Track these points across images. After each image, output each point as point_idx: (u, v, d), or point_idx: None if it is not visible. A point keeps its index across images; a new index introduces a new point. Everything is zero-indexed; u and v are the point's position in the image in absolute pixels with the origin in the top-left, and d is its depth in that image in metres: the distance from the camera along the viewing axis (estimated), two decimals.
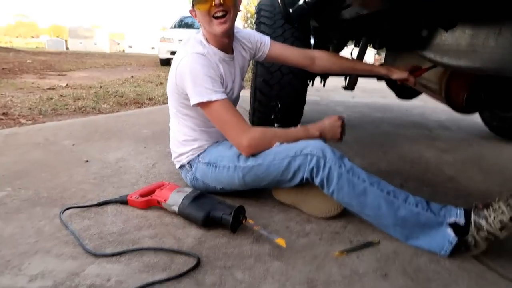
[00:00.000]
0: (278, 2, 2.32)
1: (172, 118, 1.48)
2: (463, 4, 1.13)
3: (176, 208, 1.24)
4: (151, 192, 1.35)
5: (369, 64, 1.65)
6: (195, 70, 1.26)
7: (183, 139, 1.44)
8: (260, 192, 1.45)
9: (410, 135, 2.87)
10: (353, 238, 1.19)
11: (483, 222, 1.04)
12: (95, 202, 1.32)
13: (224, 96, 1.28)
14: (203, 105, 1.27)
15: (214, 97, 1.25)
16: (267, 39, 1.57)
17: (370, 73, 1.60)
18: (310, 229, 1.25)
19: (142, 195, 1.33)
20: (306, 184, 1.27)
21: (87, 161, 1.78)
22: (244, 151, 1.28)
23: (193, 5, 1.31)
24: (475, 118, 3.42)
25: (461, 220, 1.07)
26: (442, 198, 1.57)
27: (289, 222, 1.29)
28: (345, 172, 1.16)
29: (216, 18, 1.28)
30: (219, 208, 1.19)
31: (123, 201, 1.33)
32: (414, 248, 1.14)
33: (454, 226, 1.08)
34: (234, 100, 1.49)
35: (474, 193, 1.68)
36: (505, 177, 1.94)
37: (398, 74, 1.50)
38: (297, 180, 1.24)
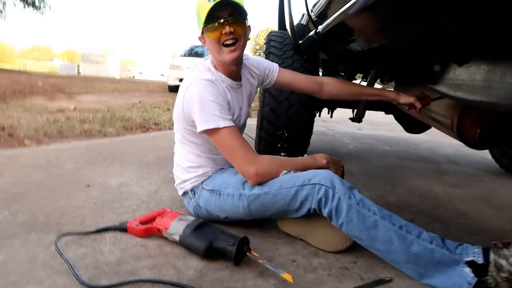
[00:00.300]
0: (288, 33, 2.35)
1: (177, 143, 1.46)
2: (473, 41, 1.12)
3: (177, 237, 1.19)
4: (152, 219, 1.31)
5: (377, 89, 1.63)
6: (203, 97, 1.24)
7: (187, 166, 1.41)
8: (265, 222, 1.40)
9: (418, 169, 2.81)
10: (364, 275, 1.12)
11: (503, 262, 0.98)
12: (93, 229, 1.27)
13: (231, 123, 1.25)
14: (210, 132, 1.24)
15: (222, 124, 1.22)
16: (275, 66, 1.57)
17: (379, 97, 1.57)
18: (318, 263, 1.18)
19: (142, 223, 1.28)
20: (314, 215, 1.22)
21: (88, 185, 1.74)
22: (251, 179, 1.24)
23: (202, 32, 1.31)
24: (483, 153, 3.37)
25: (480, 259, 1.01)
26: (455, 235, 1.50)
27: (295, 255, 1.22)
28: (355, 203, 1.11)
29: (226, 46, 1.27)
30: (222, 239, 1.14)
31: (122, 228, 1.28)
32: (429, 287, 1.07)
33: (472, 265, 1.01)
34: (240, 128, 1.47)
35: (487, 230, 1.61)
36: None
37: (405, 98, 1.48)
38: (304, 210, 1.19)
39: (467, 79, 1.21)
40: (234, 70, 1.37)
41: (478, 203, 2.02)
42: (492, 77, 1.05)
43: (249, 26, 1.35)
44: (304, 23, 1.90)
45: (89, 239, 1.21)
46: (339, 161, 1.40)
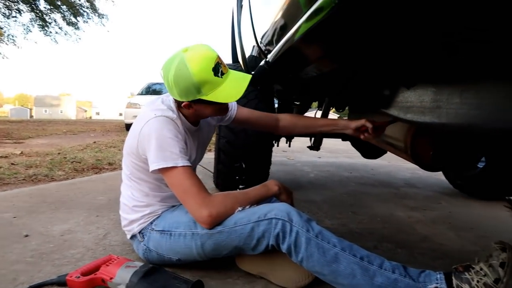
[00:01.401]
0: (241, 65, 2.36)
1: (125, 180, 1.35)
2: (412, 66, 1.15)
3: (123, 287, 1.06)
4: (95, 268, 1.16)
5: (330, 119, 1.64)
6: (163, 134, 1.16)
7: (133, 204, 1.30)
8: (222, 261, 1.29)
9: (378, 194, 2.83)
10: None
11: (466, 287, 0.96)
12: (26, 286, 1.11)
13: (189, 163, 1.18)
14: (165, 170, 1.15)
15: (180, 163, 1.15)
16: (233, 104, 1.54)
17: (332, 127, 1.56)
18: None
19: (84, 274, 1.14)
20: (273, 251, 1.14)
21: (26, 236, 1.56)
22: (205, 223, 1.14)
23: (196, 99, 1.18)
24: (439, 175, 3.49)
25: (443, 286, 0.98)
26: (419, 260, 1.47)
27: None
28: (314, 236, 1.06)
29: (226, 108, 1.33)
30: (174, 285, 1.03)
31: (60, 282, 1.13)
32: None
33: None
34: (194, 170, 1.40)
35: (449, 252, 1.60)
36: (477, 234, 1.89)
37: (355, 123, 1.47)
38: (261, 248, 1.12)
39: (416, 101, 1.23)
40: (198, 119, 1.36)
41: (438, 225, 2.04)
42: (440, 98, 1.07)
43: None
44: (255, 54, 1.91)
45: None
46: (290, 190, 1.36)
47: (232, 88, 1.18)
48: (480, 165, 2.84)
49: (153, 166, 1.15)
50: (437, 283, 0.99)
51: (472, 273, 0.97)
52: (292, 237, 1.06)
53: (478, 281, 0.95)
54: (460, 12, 0.64)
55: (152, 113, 1.21)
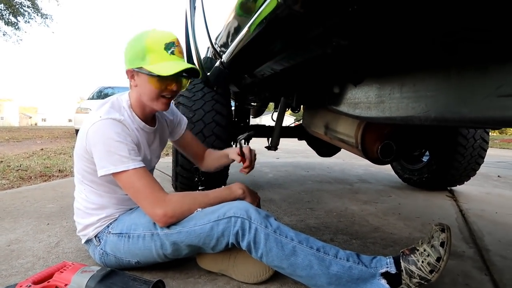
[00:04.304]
0: (196, 66, 2.36)
1: (77, 185, 1.30)
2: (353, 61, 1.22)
3: None
4: (48, 277, 1.11)
5: (227, 149, 1.63)
6: (109, 137, 1.12)
7: (88, 208, 1.25)
8: (183, 261, 1.30)
9: (334, 190, 2.94)
10: None
11: (413, 268, 1.04)
12: None
13: (141, 164, 1.16)
14: (116, 174, 1.13)
15: (132, 165, 1.12)
16: (184, 122, 1.57)
17: (226, 155, 1.57)
18: None
19: (35, 282, 1.08)
20: (233, 248, 1.16)
21: None
22: (160, 221, 1.14)
23: (139, 69, 1.17)
24: (389, 170, 3.70)
25: (392, 269, 1.05)
26: (372, 249, 1.56)
27: None
28: (272, 232, 1.09)
29: (164, 97, 1.23)
30: (133, 286, 1.01)
31: None
32: None
33: (387, 276, 1.05)
34: (150, 171, 1.37)
35: (398, 240, 1.70)
36: (423, 222, 2.03)
37: (232, 154, 1.52)
38: (221, 246, 1.13)
39: (363, 97, 1.31)
40: (152, 116, 1.34)
41: (388, 216, 2.16)
42: (383, 93, 1.15)
43: None
44: (210, 56, 1.92)
45: None
46: (255, 192, 1.38)
47: (172, 66, 1.15)
48: (425, 159, 3.05)
49: (102, 172, 1.13)
50: (387, 267, 1.06)
51: (417, 254, 1.05)
52: (251, 234, 1.08)
53: (422, 262, 1.03)
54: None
55: (97, 115, 1.17)
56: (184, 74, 1.20)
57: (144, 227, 1.18)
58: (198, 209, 1.17)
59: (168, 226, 1.15)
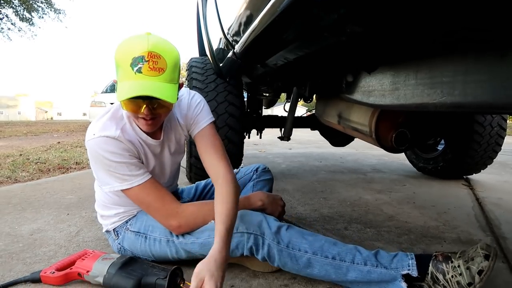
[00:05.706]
0: (209, 58, 2.36)
1: (96, 182, 1.29)
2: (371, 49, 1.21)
3: (101, 279, 1.06)
4: (70, 264, 1.16)
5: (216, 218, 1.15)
6: (104, 158, 1.07)
7: (108, 201, 1.26)
8: None
9: (347, 180, 2.94)
10: None
11: (440, 277, 0.98)
12: None
13: (145, 177, 1.12)
14: (122, 190, 1.13)
15: (136, 182, 1.11)
16: (203, 121, 1.27)
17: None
18: (257, 284, 1.13)
19: (59, 269, 1.13)
20: None
21: None
22: (174, 231, 1.16)
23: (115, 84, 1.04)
24: (404, 160, 3.66)
25: (414, 273, 1.01)
26: (386, 237, 1.56)
27: (233, 279, 1.16)
28: (285, 247, 1.08)
29: (143, 118, 1.07)
30: (152, 273, 1.04)
31: (35, 279, 1.11)
32: None
33: (408, 278, 1.02)
34: (168, 177, 1.35)
35: (413, 228, 1.70)
36: (438, 211, 2.01)
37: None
38: (236, 256, 1.14)
39: (377, 84, 1.30)
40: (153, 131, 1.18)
41: (403, 205, 2.15)
42: (398, 80, 1.14)
43: (181, 83, 1.13)
44: (222, 47, 1.92)
45: None
46: (278, 199, 1.35)
47: (132, 88, 0.95)
48: (440, 147, 3.01)
49: (106, 188, 1.13)
50: (409, 269, 1.01)
51: (449, 266, 0.98)
52: (264, 249, 1.09)
53: (452, 277, 0.97)
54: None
55: (92, 131, 1.09)
56: (151, 102, 1.02)
57: (161, 232, 1.19)
58: (212, 221, 1.14)
59: (183, 235, 1.17)
